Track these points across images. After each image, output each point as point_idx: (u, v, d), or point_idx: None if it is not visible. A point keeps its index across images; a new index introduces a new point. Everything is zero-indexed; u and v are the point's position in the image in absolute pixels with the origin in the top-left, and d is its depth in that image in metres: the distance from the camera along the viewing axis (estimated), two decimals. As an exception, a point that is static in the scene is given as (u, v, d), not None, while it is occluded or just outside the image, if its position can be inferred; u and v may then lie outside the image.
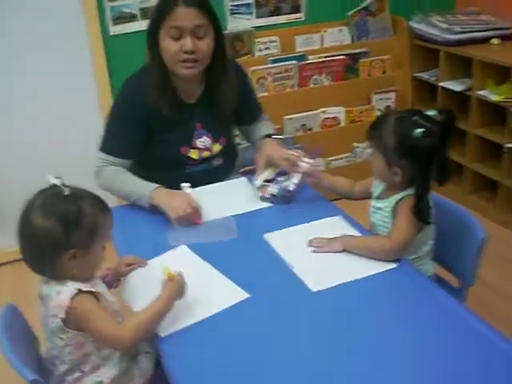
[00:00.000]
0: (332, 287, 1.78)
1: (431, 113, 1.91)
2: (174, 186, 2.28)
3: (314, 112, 3.89)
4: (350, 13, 3.94)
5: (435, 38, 3.81)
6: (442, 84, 3.83)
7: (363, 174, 2.25)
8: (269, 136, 2.54)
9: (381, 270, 1.85)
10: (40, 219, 1.56)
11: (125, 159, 2.39)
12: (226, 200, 2.34)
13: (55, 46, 3.43)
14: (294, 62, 3.76)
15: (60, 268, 1.60)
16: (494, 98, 3.48)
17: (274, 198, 2.30)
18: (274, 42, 3.79)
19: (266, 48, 3.77)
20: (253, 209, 2.27)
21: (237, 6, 3.73)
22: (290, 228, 2.13)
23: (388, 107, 4.06)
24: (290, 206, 2.28)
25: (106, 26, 3.48)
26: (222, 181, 2.51)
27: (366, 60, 3.96)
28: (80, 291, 1.58)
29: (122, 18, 3.49)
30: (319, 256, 1.95)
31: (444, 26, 3.74)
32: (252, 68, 3.62)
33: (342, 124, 3.98)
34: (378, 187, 2.12)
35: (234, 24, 3.72)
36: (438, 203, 2.02)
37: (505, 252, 3.31)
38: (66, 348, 1.63)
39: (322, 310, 1.70)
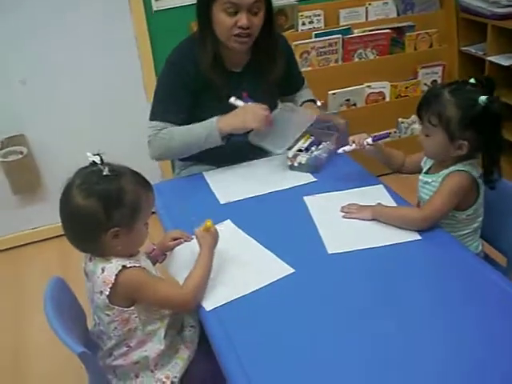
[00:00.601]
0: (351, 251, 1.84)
1: (472, 81, 1.91)
2: (217, 157, 2.38)
3: (359, 87, 3.83)
4: (396, -15, 3.85)
5: (482, 12, 3.71)
6: (489, 58, 3.74)
7: (408, 149, 2.23)
8: (308, 101, 2.61)
9: (408, 240, 1.87)
10: (80, 199, 1.56)
11: (175, 124, 2.39)
12: (270, 176, 2.36)
13: (98, 23, 3.43)
14: (338, 35, 3.70)
15: (103, 246, 1.60)
16: (545, 72, 3.39)
17: (302, 167, 2.33)
18: (318, 15, 3.73)
19: (310, 22, 3.71)
20: (300, 183, 2.29)
21: (280, -21, 3.67)
22: (331, 193, 2.16)
23: (435, 81, 3.97)
24: (335, 174, 2.28)
25: (149, 1, 3.47)
26: (265, 152, 2.50)
27: (411, 34, 3.87)
28: (124, 267, 1.58)
29: (166, -8, 3.47)
30: (348, 222, 1.99)
31: (491, -2, 3.64)
32: (295, 42, 3.57)
33: (387, 99, 3.92)
34: (427, 162, 2.10)
35: (278, -2, 3.67)
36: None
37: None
38: (112, 324, 1.64)
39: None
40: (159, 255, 1.93)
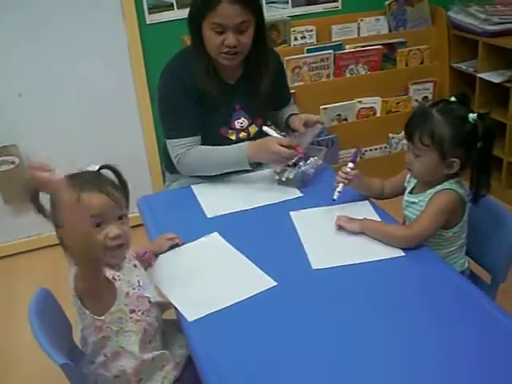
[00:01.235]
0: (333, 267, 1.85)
1: (452, 99, 1.94)
2: None
3: (350, 102, 3.86)
4: (388, 2, 3.88)
5: (474, 29, 3.74)
6: (480, 75, 3.77)
7: (398, 165, 2.23)
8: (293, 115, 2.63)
9: (392, 256, 1.88)
10: None
11: (197, 135, 2.42)
12: (257, 190, 2.38)
13: (92, 37, 3.46)
14: (330, 51, 3.72)
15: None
16: (534, 89, 3.41)
17: (289, 181, 2.35)
18: (310, 31, 3.76)
19: (302, 37, 3.74)
20: (287, 198, 2.30)
21: (273, -6, 3.71)
22: (317, 208, 2.18)
23: (426, 98, 4.00)
24: (322, 190, 2.28)
25: (143, 14, 3.49)
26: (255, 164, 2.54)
27: (403, 50, 3.90)
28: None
29: (159, 6, 3.50)
30: (333, 237, 2.00)
31: (482, 16, 3.67)
32: (287, 57, 3.60)
33: (378, 114, 3.94)
34: (411, 181, 2.11)
35: (270, 13, 3.69)
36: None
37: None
38: (88, 329, 1.64)
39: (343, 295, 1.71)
40: (152, 258, 1.95)
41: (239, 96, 2.47)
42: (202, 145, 2.44)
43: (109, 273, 1.64)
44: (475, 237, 2.08)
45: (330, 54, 3.72)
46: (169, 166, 2.63)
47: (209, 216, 2.20)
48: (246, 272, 1.85)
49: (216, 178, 2.44)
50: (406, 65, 3.96)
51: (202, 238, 2.05)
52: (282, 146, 2.25)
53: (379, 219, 2.08)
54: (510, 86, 3.59)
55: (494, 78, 3.69)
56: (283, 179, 2.36)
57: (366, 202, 2.20)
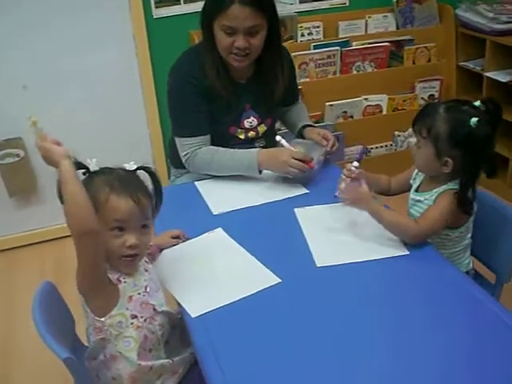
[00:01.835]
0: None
1: (477, 103, 1.90)
2: None
3: (356, 99, 3.85)
4: (396, -1, 3.88)
5: (481, 27, 3.73)
6: (487, 74, 3.76)
7: (403, 163, 2.23)
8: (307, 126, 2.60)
9: (396, 254, 1.88)
10: None
11: (207, 134, 2.42)
12: (261, 187, 2.37)
13: (99, 28, 3.46)
14: (336, 47, 3.71)
15: None
16: (542, 89, 3.40)
17: (296, 178, 2.33)
18: (317, 27, 3.75)
19: (309, 33, 3.73)
20: (292, 195, 2.30)
21: (280, -10, 3.69)
22: (321, 205, 2.18)
23: (432, 96, 3.99)
24: (327, 187, 2.26)
25: (150, 8, 3.49)
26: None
27: (410, 47, 3.88)
28: None
29: (166, 0, 3.49)
30: (337, 235, 2.00)
31: (490, 15, 3.66)
32: (294, 53, 3.56)
33: (384, 112, 3.93)
34: (417, 179, 2.10)
35: (277, 9, 3.66)
36: (478, 195, 1.98)
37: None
38: (89, 328, 1.63)
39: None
40: (156, 252, 1.94)
41: (249, 96, 2.46)
42: (212, 143, 2.43)
43: (114, 275, 1.61)
44: (480, 236, 2.08)
45: (337, 50, 3.71)
46: (174, 160, 2.62)
47: (215, 213, 2.19)
48: (250, 268, 1.85)
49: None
50: (413, 63, 3.94)
51: (206, 234, 2.05)
52: (295, 158, 2.25)
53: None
54: (517, 86, 3.58)
55: (501, 77, 3.67)
56: (290, 176, 2.34)
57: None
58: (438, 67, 4.00)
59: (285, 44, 3.45)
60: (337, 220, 2.06)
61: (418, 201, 2.03)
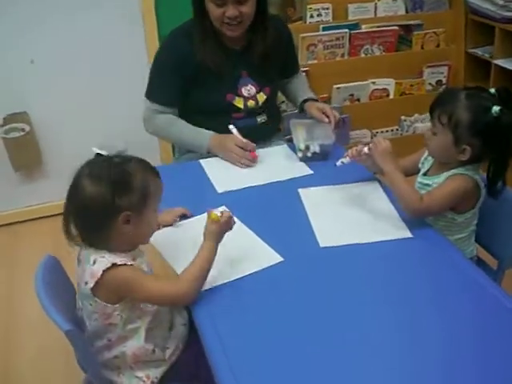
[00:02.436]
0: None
1: (492, 91, 1.89)
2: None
3: (364, 82, 3.83)
4: (406, -17, 3.84)
5: (491, 14, 3.70)
6: (496, 61, 3.73)
7: (409, 147, 2.23)
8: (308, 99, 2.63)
9: (400, 237, 1.88)
10: (91, 186, 1.56)
11: (171, 108, 2.50)
12: (266, 167, 2.38)
13: (104, 5, 3.45)
14: (345, 30, 3.69)
15: (112, 235, 1.60)
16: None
17: (315, 156, 2.35)
18: (327, 9, 3.72)
19: (318, 15, 3.70)
20: (297, 175, 2.30)
21: (291, -29, 3.66)
22: (325, 186, 2.18)
23: (439, 81, 3.98)
24: (332, 168, 2.22)
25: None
26: (265, 140, 2.56)
27: (419, 32, 3.86)
28: (114, 265, 1.57)
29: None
30: (341, 216, 2.01)
31: (501, 2, 3.61)
32: (303, 34, 3.58)
33: (391, 96, 3.92)
34: (425, 164, 2.09)
35: (288, -10, 3.66)
36: (481, 181, 1.98)
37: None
38: (93, 315, 1.64)
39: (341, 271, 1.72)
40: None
41: (245, 62, 2.49)
42: (211, 116, 2.47)
43: (124, 258, 1.61)
44: (483, 222, 2.08)
45: (346, 33, 3.69)
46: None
47: (219, 191, 2.19)
48: (253, 247, 1.85)
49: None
50: (422, 47, 3.92)
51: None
52: (238, 146, 2.33)
53: (388, 200, 2.07)
54: (525, 74, 3.55)
55: (510, 65, 3.64)
56: (309, 155, 2.35)
57: (376, 182, 2.19)
58: (447, 53, 3.98)
59: (293, 25, 3.48)
60: (341, 201, 2.07)
61: (427, 184, 2.03)
